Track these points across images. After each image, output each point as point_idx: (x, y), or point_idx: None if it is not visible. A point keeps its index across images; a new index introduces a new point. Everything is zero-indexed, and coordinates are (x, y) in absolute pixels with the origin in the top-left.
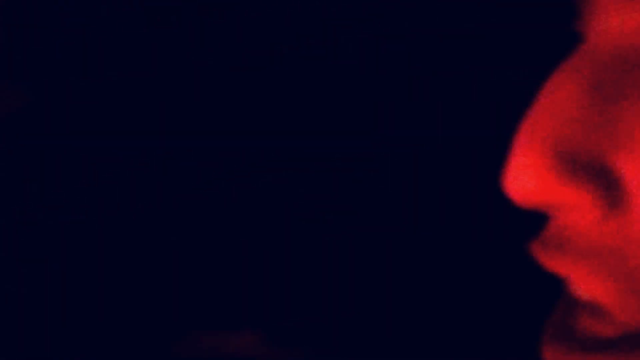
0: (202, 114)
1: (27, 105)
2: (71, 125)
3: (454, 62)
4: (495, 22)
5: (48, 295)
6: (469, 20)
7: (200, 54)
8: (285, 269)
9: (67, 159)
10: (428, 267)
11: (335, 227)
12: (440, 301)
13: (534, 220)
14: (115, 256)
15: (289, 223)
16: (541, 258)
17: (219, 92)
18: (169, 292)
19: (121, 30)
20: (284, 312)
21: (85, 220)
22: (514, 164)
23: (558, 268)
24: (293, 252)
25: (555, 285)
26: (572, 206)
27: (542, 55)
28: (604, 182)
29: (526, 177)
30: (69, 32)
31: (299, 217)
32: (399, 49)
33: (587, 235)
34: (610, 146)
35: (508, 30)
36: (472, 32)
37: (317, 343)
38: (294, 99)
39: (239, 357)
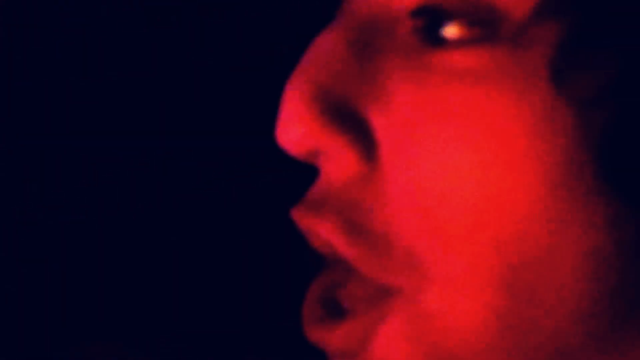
0: (202, 114)
1: (27, 105)
2: (71, 125)
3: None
4: None
5: (48, 295)
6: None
7: (201, 54)
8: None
9: (67, 159)
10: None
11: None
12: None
13: None
14: (115, 256)
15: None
16: (300, 221)
17: (219, 92)
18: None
19: (121, 30)
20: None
21: (85, 220)
22: (283, 114)
23: (314, 226)
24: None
25: None
26: (335, 156)
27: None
28: (364, 136)
29: (293, 125)
30: (69, 32)
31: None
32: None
33: (343, 189)
34: (367, 99)
35: None
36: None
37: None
38: None
39: None
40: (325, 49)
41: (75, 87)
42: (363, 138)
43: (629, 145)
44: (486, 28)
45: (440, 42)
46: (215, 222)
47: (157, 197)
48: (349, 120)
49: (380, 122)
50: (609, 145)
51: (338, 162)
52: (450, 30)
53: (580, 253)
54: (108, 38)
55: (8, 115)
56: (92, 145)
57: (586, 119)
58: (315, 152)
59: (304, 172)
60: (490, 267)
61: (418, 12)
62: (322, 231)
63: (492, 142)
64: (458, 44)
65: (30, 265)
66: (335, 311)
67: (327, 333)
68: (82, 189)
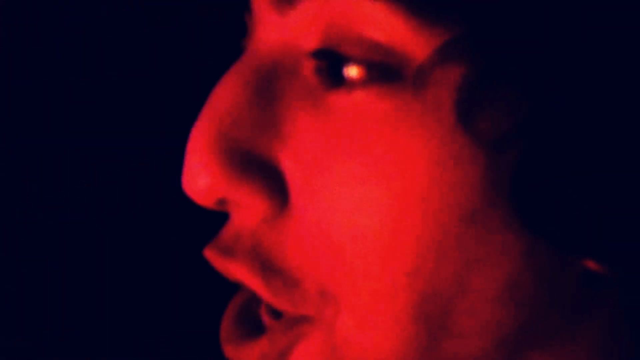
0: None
1: (27, 105)
2: (71, 125)
3: None
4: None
5: (48, 295)
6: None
7: (201, 54)
8: None
9: (67, 159)
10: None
11: None
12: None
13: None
14: (114, 256)
15: None
16: (214, 261)
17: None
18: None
19: (121, 30)
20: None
21: (85, 220)
22: (187, 164)
23: (227, 269)
24: None
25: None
26: (244, 204)
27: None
28: (272, 180)
29: (199, 176)
30: (69, 32)
31: None
32: None
33: (255, 232)
34: (274, 142)
35: None
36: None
37: None
38: None
39: None
40: (227, 95)
41: (75, 87)
42: (272, 182)
43: (537, 182)
44: (387, 70)
45: (343, 82)
46: (216, 223)
47: (157, 197)
48: (255, 166)
49: (288, 164)
50: (518, 182)
51: (247, 209)
52: (351, 72)
53: (494, 282)
54: (108, 38)
55: (8, 115)
56: (92, 145)
57: (494, 158)
58: (223, 201)
59: None
60: (402, 298)
61: (318, 55)
62: (236, 273)
63: (398, 178)
64: (360, 84)
65: (30, 265)
66: (254, 326)
67: (243, 352)
68: (81, 189)
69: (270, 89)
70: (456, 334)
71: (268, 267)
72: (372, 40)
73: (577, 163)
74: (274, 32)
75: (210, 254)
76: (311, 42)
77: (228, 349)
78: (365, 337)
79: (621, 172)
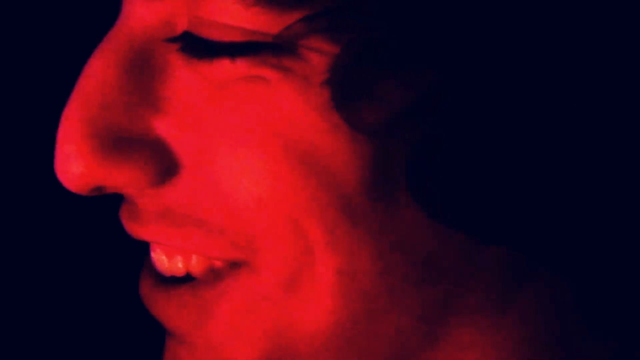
0: None
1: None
2: None
3: None
4: None
5: (47, 295)
6: None
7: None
8: None
9: None
10: None
11: None
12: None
13: None
14: (114, 257)
15: None
16: (126, 227)
17: None
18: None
19: None
20: None
21: (84, 220)
22: (59, 153)
23: (138, 234)
24: None
25: None
26: (125, 183)
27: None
28: (155, 153)
29: (71, 164)
30: (69, 33)
31: None
32: None
33: (149, 204)
34: (157, 119)
35: None
36: None
37: None
38: None
39: None
40: (96, 75)
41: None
42: (153, 154)
43: (428, 168)
44: (255, 47)
45: (217, 53)
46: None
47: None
48: (132, 144)
49: (173, 132)
50: (411, 166)
51: (133, 186)
52: (219, 53)
53: (408, 261)
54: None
55: (8, 116)
56: None
57: (378, 142)
58: (101, 188)
59: None
60: (320, 273)
61: (184, 38)
62: (155, 236)
63: (276, 147)
64: (231, 59)
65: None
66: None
67: (163, 298)
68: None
69: (143, 65)
70: (375, 312)
71: (182, 222)
72: (234, 26)
73: (465, 148)
74: (143, 12)
75: (123, 220)
76: (178, 27)
77: (146, 296)
78: (286, 303)
79: (512, 155)
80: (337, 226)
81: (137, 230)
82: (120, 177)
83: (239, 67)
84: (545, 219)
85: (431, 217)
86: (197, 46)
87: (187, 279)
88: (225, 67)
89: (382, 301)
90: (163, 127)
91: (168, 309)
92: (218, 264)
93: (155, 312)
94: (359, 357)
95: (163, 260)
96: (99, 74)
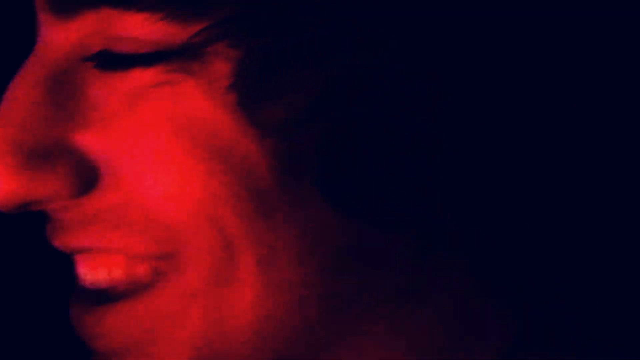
0: None
1: None
2: None
3: None
4: None
5: (47, 295)
6: None
7: None
8: None
9: None
10: None
11: None
12: None
13: None
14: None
15: None
16: (52, 241)
17: None
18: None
19: None
20: None
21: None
22: None
23: (63, 244)
24: None
25: None
26: (49, 196)
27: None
28: (75, 165)
29: None
30: None
31: None
32: None
33: (73, 214)
34: (75, 133)
35: None
36: None
37: None
38: None
39: None
40: (18, 96)
41: None
42: (76, 167)
43: (331, 163)
44: (162, 56)
45: (129, 65)
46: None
47: None
48: (55, 159)
49: (96, 146)
50: (314, 162)
51: (56, 199)
52: (129, 64)
53: (321, 252)
54: None
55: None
56: None
57: (285, 140)
58: (25, 204)
59: None
60: (241, 265)
61: (98, 57)
62: (72, 244)
63: (184, 145)
64: (140, 68)
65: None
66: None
67: (92, 317)
68: None
69: (61, 84)
70: (296, 303)
71: (105, 226)
72: (144, 39)
73: (365, 144)
74: (60, 35)
75: (52, 238)
76: (93, 46)
77: (79, 322)
78: (213, 299)
79: (413, 147)
80: (252, 219)
81: (62, 239)
82: (43, 190)
83: (149, 76)
84: (447, 205)
85: (336, 209)
86: (111, 61)
87: (112, 297)
88: (137, 77)
89: (301, 291)
90: (82, 141)
91: (97, 328)
92: (142, 270)
93: (86, 334)
94: (284, 348)
95: (87, 274)
96: (18, 96)
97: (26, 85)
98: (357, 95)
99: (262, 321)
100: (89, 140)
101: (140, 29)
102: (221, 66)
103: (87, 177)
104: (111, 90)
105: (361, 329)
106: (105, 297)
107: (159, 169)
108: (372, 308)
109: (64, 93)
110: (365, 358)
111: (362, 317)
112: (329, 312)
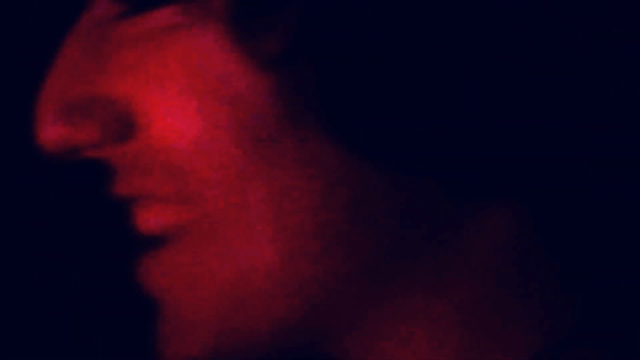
0: None
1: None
2: None
3: None
4: None
5: (47, 295)
6: None
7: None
8: None
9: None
10: None
11: None
12: None
13: None
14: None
15: None
16: (113, 193)
17: None
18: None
19: None
20: None
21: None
22: (37, 120)
23: (121, 191)
24: None
25: None
26: (90, 142)
27: None
28: (111, 114)
29: (47, 129)
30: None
31: None
32: None
33: (120, 160)
34: (113, 84)
35: None
36: None
37: None
38: None
39: None
40: (63, 59)
41: None
42: (113, 117)
43: (335, 92)
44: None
45: (145, 8)
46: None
47: None
48: (94, 111)
49: (133, 93)
50: (316, 94)
51: (98, 147)
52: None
53: (336, 200)
54: None
55: (8, 115)
56: None
57: (286, 74)
58: (73, 149)
59: None
60: (258, 225)
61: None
62: (125, 190)
63: (194, 91)
64: (156, 5)
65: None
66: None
67: (146, 264)
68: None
69: (96, 43)
70: (311, 254)
71: (147, 172)
72: None
73: (374, 75)
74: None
75: (113, 191)
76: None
77: (138, 269)
78: (235, 243)
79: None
80: (262, 157)
81: (117, 187)
82: (84, 135)
83: (160, 18)
84: (469, 146)
85: (344, 147)
86: (132, 5)
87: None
88: (151, 19)
89: (321, 240)
90: (118, 92)
91: (151, 273)
92: (172, 217)
93: (144, 280)
94: (310, 308)
95: (142, 219)
96: (65, 56)
97: (70, 47)
98: (353, 20)
99: (280, 268)
100: (124, 91)
101: None
102: (217, 3)
103: (122, 122)
104: (133, 36)
105: (398, 291)
106: (153, 243)
107: (177, 113)
108: (407, 267)
109: (99, 50)
110: (405, 325)
111: (397, 277)
112: (354, 266)
